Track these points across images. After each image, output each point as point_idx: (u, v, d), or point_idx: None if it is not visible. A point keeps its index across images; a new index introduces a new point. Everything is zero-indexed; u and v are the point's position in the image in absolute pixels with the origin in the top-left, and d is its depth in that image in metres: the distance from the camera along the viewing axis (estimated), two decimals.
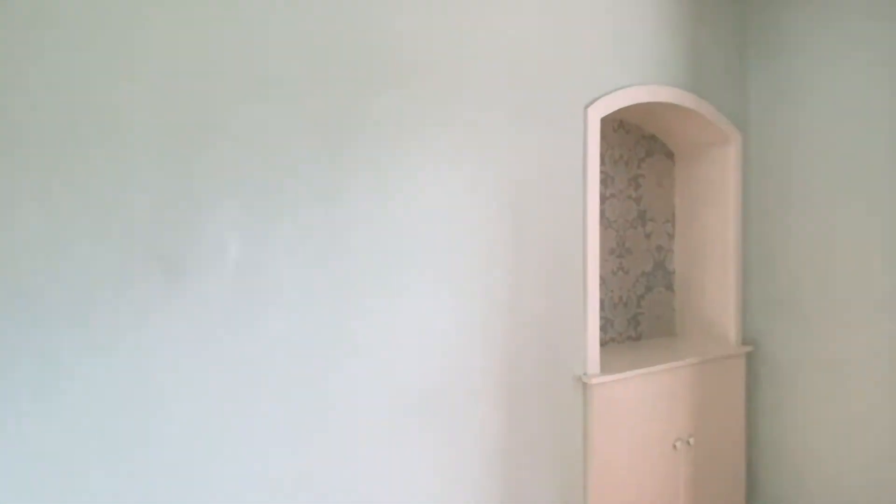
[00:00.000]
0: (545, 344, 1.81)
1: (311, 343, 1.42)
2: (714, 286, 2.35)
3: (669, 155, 2.51)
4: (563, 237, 1.84)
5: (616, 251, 2.35)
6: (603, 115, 1.90)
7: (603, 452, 1.86)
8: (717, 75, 2.21)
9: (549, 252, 1.81)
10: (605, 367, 1.92)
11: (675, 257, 2.52)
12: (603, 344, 2.28)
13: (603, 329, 2.30)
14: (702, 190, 2.39)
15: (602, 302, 2.27)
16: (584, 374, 1.87)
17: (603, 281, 2.29)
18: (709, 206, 2.36)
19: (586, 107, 1.86)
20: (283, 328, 1.38)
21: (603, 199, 2.28)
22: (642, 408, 1.97)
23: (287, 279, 1.39)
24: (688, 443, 2.07)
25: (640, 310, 2.43)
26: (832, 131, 2.02)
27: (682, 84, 2.10)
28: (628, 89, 1.94)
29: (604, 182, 2.29)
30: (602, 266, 2.27)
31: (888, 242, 1.85)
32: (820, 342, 2.07)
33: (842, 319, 1.99)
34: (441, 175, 1.60)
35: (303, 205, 1.40)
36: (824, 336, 2.06)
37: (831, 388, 2.04)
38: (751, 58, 2.27)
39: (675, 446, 2.04)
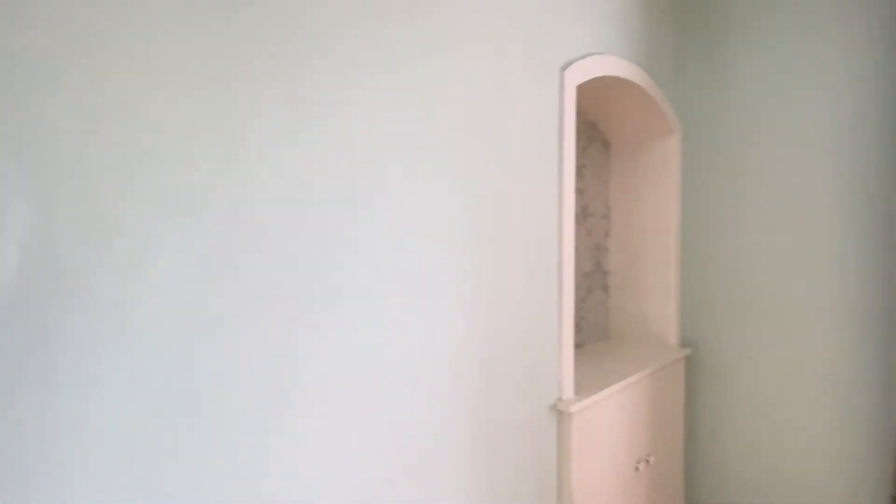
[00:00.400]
0: (523, 370, 1.40)
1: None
2: (652, 287, 2.21)
3: (606, 144, 2.32)
4: (538, 233, 1.45)
5: None
6: (579, 83, 1.57)
7: (580, 489, 1.52)
8: (664, 60, 2.06)
9: (527, 252, 1.41)
10: (576, 388, 1.60)
11: (611, 256, 2.34)
12: None
13: None
14: (640, 184, 2.24)
15: None
16: (560, 399, 1.51)
17: None
18: (647, 201, 2.22)
19: (562, 69, 1.51)
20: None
21: None
22: (612, 429, 1.69)
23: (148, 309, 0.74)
24: (647, 461, 1.86)
25: (582, 313, 2.19)
26: (771, 128, 1.99)
27: (639, 63, 1.89)
28: (597, 57, 1.65)
29: None
30: None
31: (828, 242, 1.87)
32: (758, 342, 2.03)
33: (781, 318, 1.98)
34: (406, 137, 1.08)
35: (183, 169, 0.77)
36: (763, 336, 2.02)
37: (771, 388, 2.01)
38: (688, 45, 2.18)
39: (637, 468, 1.81)
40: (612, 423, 1.69)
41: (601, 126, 2.25)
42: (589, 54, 1.62)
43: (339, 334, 0.97)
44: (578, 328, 2.16)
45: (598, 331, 2.30)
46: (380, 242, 1.04)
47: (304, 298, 0.92)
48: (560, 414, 1.51)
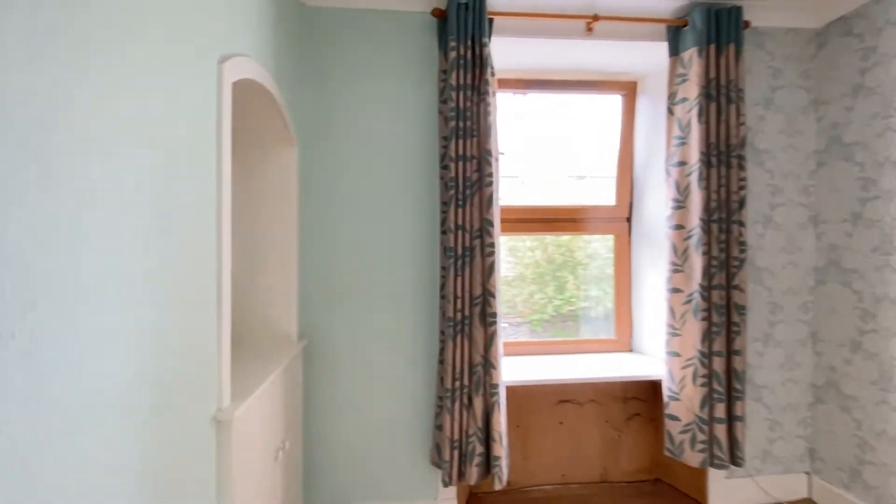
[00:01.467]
0: (188, 385, 1.25)
1: None
2: (276, 287, 2.35)
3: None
4: (199, 234, 1.33)
5: None
6: (234, 80, 1.52)
7: (238, 495, 1.50)
8: (287, 79, 2.24)
9: (189, 257, 1.27)
10: (232, 394, 1.55)
11: (234, 259, 2.30)
12: None
13: None
14: (264, 190, 2.33)
15: None
16: (220, 409, 1.44)
17: None
18: (270, 207, 2.34)
19: (220, 62, 1.44)
20: None
21: None
22: (260, 428, 1.73)
23: None
24: (284, 449, 1.99)
25: None
26: (364, 149, 2.51)
27: (272, 73, 1.99)
28: (245, 59, 1.65)
29: None
30: None
31: (402, 244, 2.54)
32: (354, 326, 2.52)
33: (371, 305, 2.53)
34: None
35: None
36: (357, 320, 2.52)
37: (362, 362, 2.54)
38: (303, 72, 2.45)
39: (277, 457, 1.91)
40: (261, 422, 1.72)
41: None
42: (240, 54, 1.60)
43: None
44: None
45: None
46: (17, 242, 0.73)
47: None
48: (219, 424, 1.43)
